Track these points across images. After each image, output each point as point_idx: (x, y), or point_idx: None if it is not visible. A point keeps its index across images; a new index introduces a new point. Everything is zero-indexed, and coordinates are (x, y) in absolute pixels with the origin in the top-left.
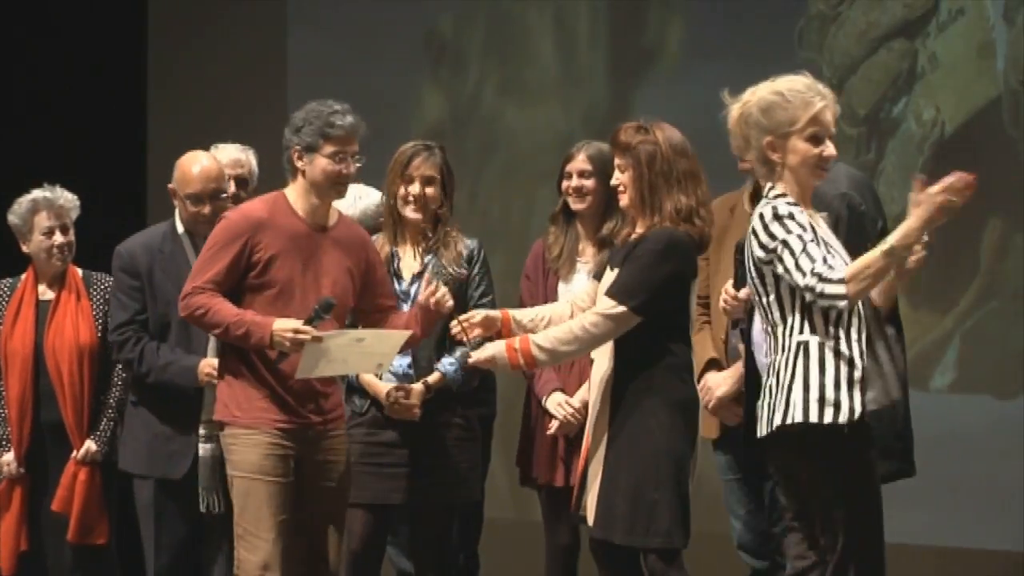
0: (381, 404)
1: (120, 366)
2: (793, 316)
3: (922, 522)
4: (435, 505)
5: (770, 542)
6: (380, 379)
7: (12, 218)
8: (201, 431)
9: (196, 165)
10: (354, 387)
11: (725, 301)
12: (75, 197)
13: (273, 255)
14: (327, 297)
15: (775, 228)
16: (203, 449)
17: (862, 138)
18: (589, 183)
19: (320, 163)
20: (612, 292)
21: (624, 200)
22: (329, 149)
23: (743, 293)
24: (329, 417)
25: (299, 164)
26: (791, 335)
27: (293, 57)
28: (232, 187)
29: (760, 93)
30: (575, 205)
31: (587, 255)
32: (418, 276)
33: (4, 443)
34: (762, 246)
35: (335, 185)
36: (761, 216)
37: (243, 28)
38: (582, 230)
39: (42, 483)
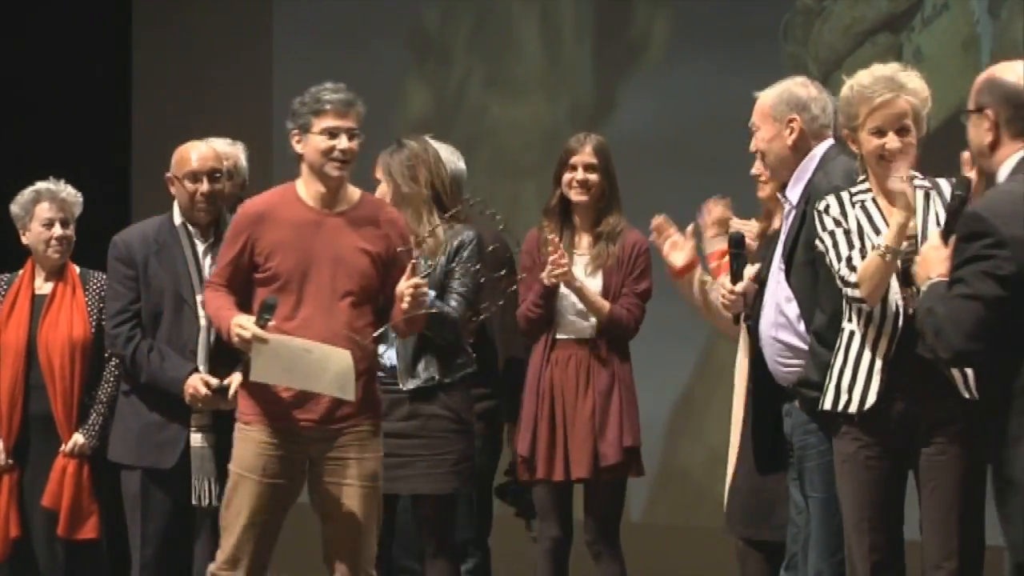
0: None
1: (113, 361)
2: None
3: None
4: (426, 495)
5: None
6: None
7: (14, 207)
8: (193, 422)
9: (192, 147)
10: None
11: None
12: (78, 193)
13: (273, 247)
14: (269, 296)
15: (817, 223)
16: (195, 440)
17: None
18: (594, 177)
19: (313, 141)
20: None
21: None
22: (321, 126)
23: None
24: (347, 413)
25: (298, 148)
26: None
27: (278, 51)
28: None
29: (844, 87)
30: (577, 197)
31: (583, 247)
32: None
33: None
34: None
35: (331, 161)
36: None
37: (228, 23)
38: (579, 221)
39: (29, 475)
